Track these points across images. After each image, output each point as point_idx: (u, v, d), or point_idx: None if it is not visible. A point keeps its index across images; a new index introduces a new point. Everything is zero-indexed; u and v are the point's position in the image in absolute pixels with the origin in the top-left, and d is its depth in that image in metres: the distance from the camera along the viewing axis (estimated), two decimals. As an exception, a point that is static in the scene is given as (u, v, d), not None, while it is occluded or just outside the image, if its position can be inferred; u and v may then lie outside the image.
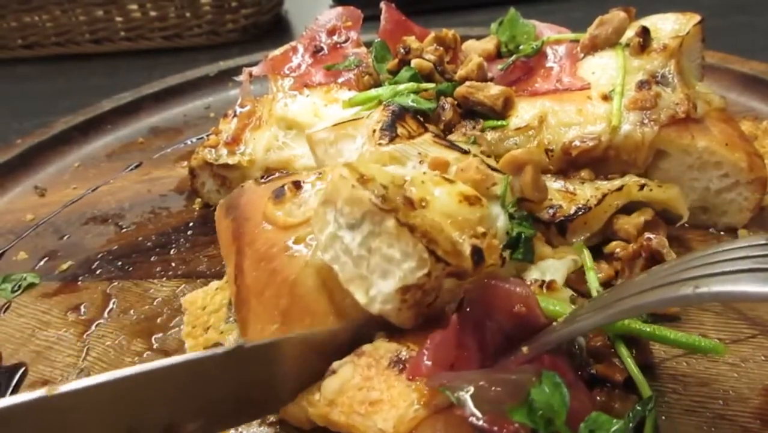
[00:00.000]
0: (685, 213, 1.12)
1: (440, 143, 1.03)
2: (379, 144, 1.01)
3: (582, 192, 1.10)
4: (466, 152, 1.02)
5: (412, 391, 0.75)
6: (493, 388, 0.70)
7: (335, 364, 0.82)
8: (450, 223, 0.84)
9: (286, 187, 0.97)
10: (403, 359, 0.78)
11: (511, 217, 0.97)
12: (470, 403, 0.68)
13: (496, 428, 0.67)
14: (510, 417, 0.68)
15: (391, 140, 1.02)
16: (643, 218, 1.09)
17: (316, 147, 1.17)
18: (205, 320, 1.05)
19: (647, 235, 1.04)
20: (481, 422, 0.67)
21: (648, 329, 0.86)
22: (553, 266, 0.99)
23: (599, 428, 0.72)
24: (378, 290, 0.79)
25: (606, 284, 1.04)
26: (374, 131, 1.04)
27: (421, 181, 0.89)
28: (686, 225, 1.14)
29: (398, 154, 0.99)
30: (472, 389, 0.70)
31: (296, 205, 0.95)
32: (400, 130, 1.04)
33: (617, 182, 1.12)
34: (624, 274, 1.05)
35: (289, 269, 0.88)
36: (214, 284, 1.13)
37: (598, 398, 0.83)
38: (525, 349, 0.77)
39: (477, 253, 0.81)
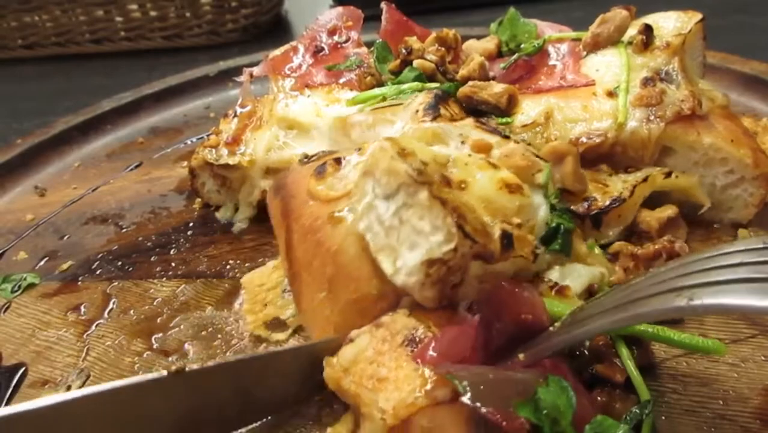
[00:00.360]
0: (707, 201, 1.14)
1: (482, 128, 1.04)
2: (422, 122, 1.02)
3: (614, 184, 1.10)
4: (507, 137, 1.02)
5: (417, 376, 0.75)
6: (500, 383, 0.71)
7: (354, 332, 0.83)
8: (485, 207, 0.85)
9: (327, 164, 0.99)
10: (417, 339, 0.79)
11: (552, 208, 0.97)
12: (475, 393, 0.68)
13: (499, 417, 0.67)
14: (515, 412, 0.68)
15: (434, 119, 1.03)
16: (668, 213, 1.09)
17: (351, 129, 1.16)
18: (264, 297, 1.08)
19: (670, 237, 1.05)
20: (484, 411, 0.67)
21: (650, 330, 0.86)
22: (576, 272, 0.98)
23: (604, 432, 0.72)
24: (404, 261, 0.81)
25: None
26: (417, 111, 1.06)
27: (465, 163, 0.90)
28: (690, 221, 1.15)
29: (441, 132, 1.00)
30: (478, 380, 0.70)
31: (337, 180, 0.97)
32: (443, 111, 1.06)
33: (641, 174, 1.12)
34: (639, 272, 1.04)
35: (332, 239, 0.91)
36: (271, 263, 1.14)
37: (598, 398, 0.83)
38: (521, 356, 0.78)
39: (507, 237, 0.82)
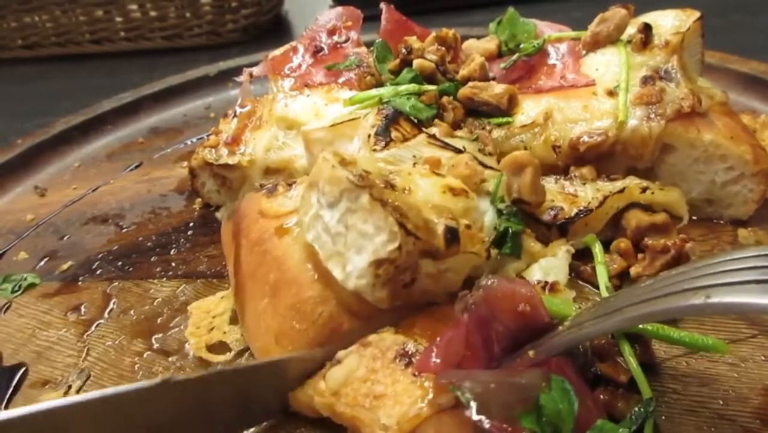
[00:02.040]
0: (686, 215, 1.14)
1: (434, 144, 1.05)
2: (374, 150, 1.04)
3: (583, 194, 1.11)
4: (460, 151, 1.03)
5: (417, 387, 0.74)
6: (502, 391, 0.70)
7: (341, 353, 0.83)
8: (431, 208, 0.86)
9: (279, 185, 1.04)
10: (410, 352, 0.79)
11: (500, 213, 0.98)
12: (478, 405, 0.68)
13: (505, 429, 0.66)
14: (519, 423, 0.68)
15: (386, 145, 1.04)
16: (653, 220, 1.09)
17: (312, 146, 1.18)
18: (209, 322, 1.06)
19: (684, 236, 1.05)
20: (488, 426, 0.66)
21: (651, 328, 0.86)
22: (555, 267, 1.00)
23: None
24: (353, 265, 0.83)
25: (619, 276, 1.05)
26: (369, 136, 1.07)
27: (408, 173, 0.91)
28: (693, 218, 1.16)
29: (393, 159, 1.01)
30: (480, 390, 0.69)
31: (287, 198, 1.01)
32: (394, 134, 1.06)
33: (619, 184, 1.12)
34: (644, 265, 1.05)
35: (278, 248, 0.94)
36: (220, 293, 1.13)
37: (601, 396, 0.83)
38: (531, 353, 0.77)
39: (450, 232, 0.83)
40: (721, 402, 0.87)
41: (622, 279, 1.07)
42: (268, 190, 1.04)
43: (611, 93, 1.18)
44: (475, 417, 0.67)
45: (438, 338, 0.77)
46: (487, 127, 1.20)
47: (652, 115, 1.15)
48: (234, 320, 1.05)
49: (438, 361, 0.75)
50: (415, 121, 1.12)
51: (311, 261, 0.90)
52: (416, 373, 0.76)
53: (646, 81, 1.18)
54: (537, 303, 0.80)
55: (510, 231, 0.97)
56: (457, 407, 0.71)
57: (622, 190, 1.10)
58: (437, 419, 0.72)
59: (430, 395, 0.73)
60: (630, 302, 0.76)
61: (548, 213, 1.07)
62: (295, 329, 0.87)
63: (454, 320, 0.79)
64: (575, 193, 1.11)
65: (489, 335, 0.78)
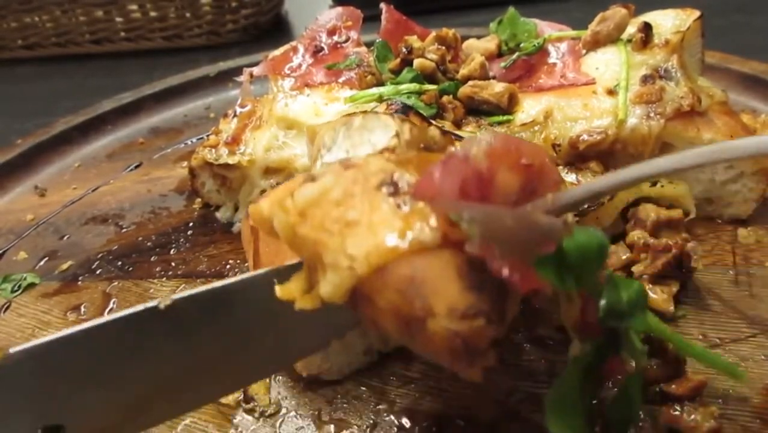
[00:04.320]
0: (693, 210, 1.14)
1: (447, 136, 1.04)
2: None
3: None
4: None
5: (398, 219, 0.61)
6: (519, 229, 0.56)
7: (317, 171, 0.70)
8: None
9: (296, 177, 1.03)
10: (397, 182, 0.65)
11: None
12: (484, 240, 0.56)
13: (516, 275, 0.54)
14: (532, 269, 0.56)
15: None
16: (670, 214, 1.08)
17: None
18: None
19: (686, 235, 1.05)
20: (493, 265, 0.55)
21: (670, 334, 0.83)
22: None
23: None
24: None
25: (626, 266, 1.06)
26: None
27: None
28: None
29: None
30: (491, 223, 0.56)
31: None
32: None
33: None
34: (646, 264, 1.05)
35: None
36: None
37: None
38: (549, 197, 0.62)
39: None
40: (721, 402, 0.87)
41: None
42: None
43: (611, 92, 1.19)
44: (479, 252, 0.55)
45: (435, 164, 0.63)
46: (483, 124, 1.20)
47: (652, 114, 1.15)
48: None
49: (439, 178, 0.61)
50: (424, 114, 1.12)
51: None
52: (400, 204, 0.62)
53: (646, 80, 1.18)
54: (543, 158, 0.66)
55: None
56: (444, 247, 0.59)
57: None
58: (415, 259, 0.59)
59: (413, 231, 0.60)
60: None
61: None
62: None
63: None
64: None
65: (488, 192, 0.63)
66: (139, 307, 0.69)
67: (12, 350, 0.64)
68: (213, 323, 0.71)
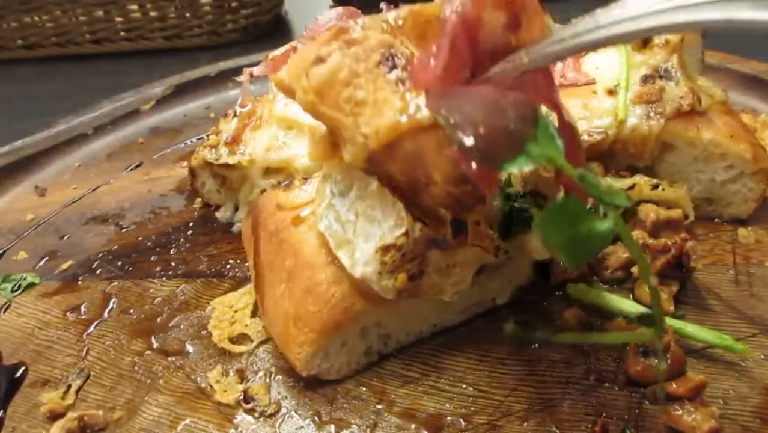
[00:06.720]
0: (692, 213, 1.14)
1: None
2: None
3: None
4: None
5: (398, 99, 0.72)
6: (491, 136, 0.65)
7: (323, 50, 0.77)
8: None
9: (295, 180, 1.08)
10: (395, 57, 0.74)
11: (509, 197, 0.96)
12: (462, 142, 0.65)
13: (480, 178, 0.65)
14: (498, 169, 0.66)
15: None
16: (671, 215, 1.09)
17: None
18: (231, 315, 1.10)
19: (685, 235, 1.05)
20: (469, 170, 0.65)
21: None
22: None
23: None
24: (360, 252, 0.84)
25: (626, 266, 1.06)
26: None
27: None
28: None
29: None
30: (469, 128, 0.65)
31: (303, 191, 1.04)
32: None
33: (628, 181, 1.13)
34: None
35: (294, 236, 0.97)
36: (242, 289, 1.16)
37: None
38: (525, 58, 0.70)
39: (457, 223, 0.82)
40: (721, 402, 0.87)
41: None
42: (284, 186, 1.08)
43: (611, 92, 1.19)
44: (458, 158, 0.66)
45: (433, 47, 0.72)
46: None
47: (652, 114, 1.15)
48: (255, 314, 1.08)
49: (437, 71, 0.70)
50: None
51: (325, 247, 0.92)
52: (399, 83, 0.73)
53: (646, 80, 1.18)
54: None
55: (515, 207, 0.94)
56: (437, 127, 0.70)
57: (632, 187, 1.11)
58: (416, 135, 0.71)
59: (410, 110, 0.71)
60: (641, 12, 0.61)
61: None
62: (310, 312, 0.89)
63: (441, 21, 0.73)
64: None
65: (476, 37, 0.71)
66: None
67: None
68: None
